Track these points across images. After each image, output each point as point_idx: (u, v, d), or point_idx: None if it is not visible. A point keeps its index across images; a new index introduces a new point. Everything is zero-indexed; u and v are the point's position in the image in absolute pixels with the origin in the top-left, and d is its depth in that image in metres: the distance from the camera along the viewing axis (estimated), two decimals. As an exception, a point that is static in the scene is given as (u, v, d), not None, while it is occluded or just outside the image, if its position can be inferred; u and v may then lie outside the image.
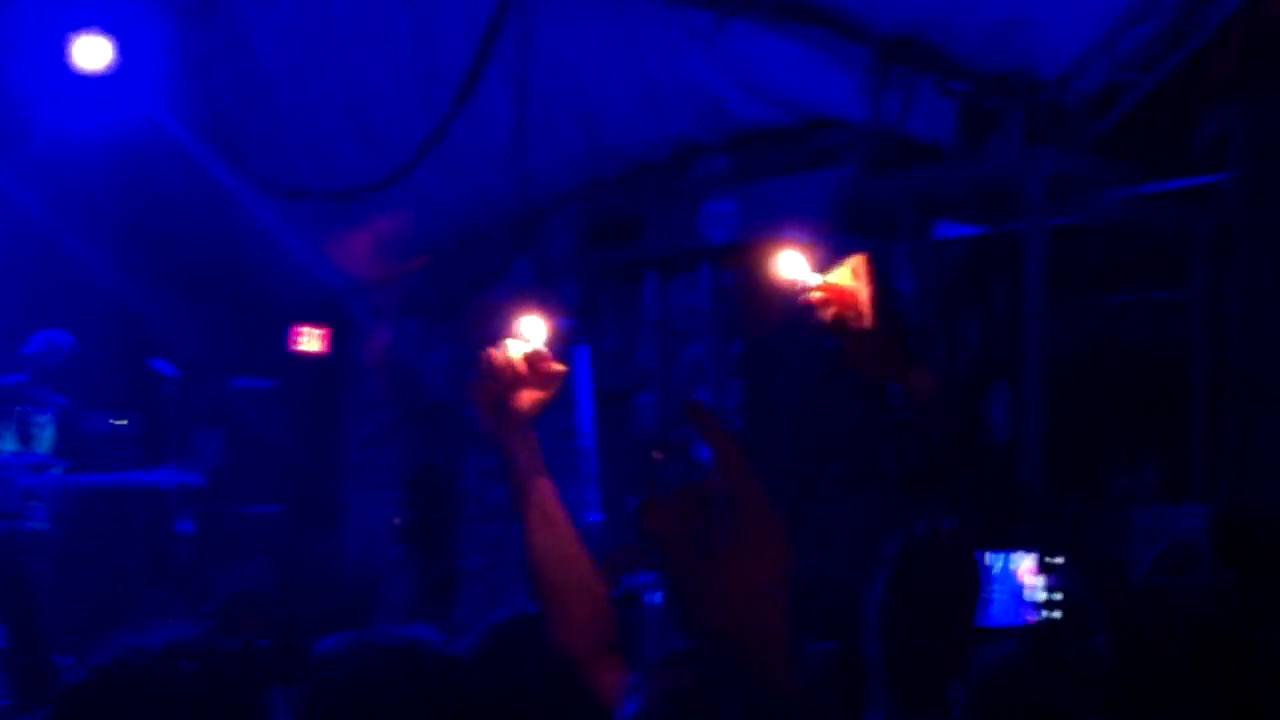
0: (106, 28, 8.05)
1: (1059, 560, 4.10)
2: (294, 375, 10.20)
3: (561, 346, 2.87)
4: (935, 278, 7.65)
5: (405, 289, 10.16)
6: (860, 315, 2.63)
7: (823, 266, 2.65)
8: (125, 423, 8.89)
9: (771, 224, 7.45)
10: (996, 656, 2.89)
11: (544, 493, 2.75)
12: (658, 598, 5.79)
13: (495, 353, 2.74)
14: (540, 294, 8.98)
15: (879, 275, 2.63)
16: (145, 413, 8.96)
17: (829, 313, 2.64)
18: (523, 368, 2.73)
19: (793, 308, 2.69)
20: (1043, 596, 4.56)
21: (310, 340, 10.34)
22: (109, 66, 8.11)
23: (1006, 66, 7.00)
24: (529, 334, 2.76)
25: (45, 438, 8.04)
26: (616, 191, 8.89)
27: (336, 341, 10.44)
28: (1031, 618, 4.57)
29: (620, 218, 8.89)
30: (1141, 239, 7.88)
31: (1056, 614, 4.44)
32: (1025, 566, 4.65)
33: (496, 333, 2.75)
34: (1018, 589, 4.65)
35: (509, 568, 9.11)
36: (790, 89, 7.71)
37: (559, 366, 2.76)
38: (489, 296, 9.75)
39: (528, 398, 2.75)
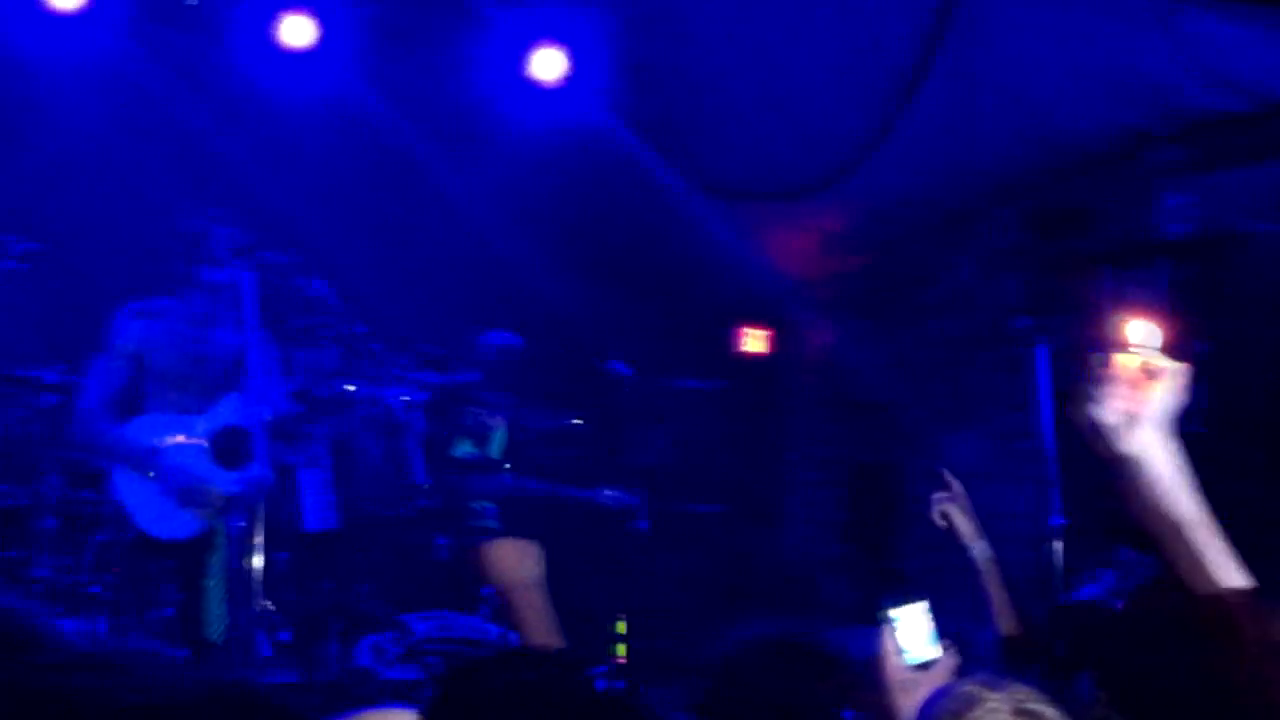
0: (560, 40, 8.34)
1: None
2: (736, 375, 10.30)
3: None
4: None
5: (845, 287, 10.13)
6: None
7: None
8: (578, 422, 9.12)
9: (1234, 216, 7.08)
10: None
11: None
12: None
13: (1115, 361, 2.62)
14: (984, 289, 8.81)
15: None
16: (594, 412, 9.17)
17: None
18: (1140, 374, 2.61)
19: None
20: None
21: (754, 341, 10.42)
22: (563, 77, 8.39)
23: None
24: (1140, 338, 2.65)
25: (497, 440, 8.27)
26: (1064, 183, 8.62)
27: (778, 340, 10.49)
28: None
29: (1068, 210, 8.61)
30: None
31: None
32: None
33: (1109, 340, 2.64)
34: None
35: (951, 570, 8.95)
36: (1251, 74, 7.31)
37: (1168, 365, 2.62)
38: (929, 294, 9.64)
39: (1148, 401, 2.61)
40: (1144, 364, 2.58)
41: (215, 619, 6.18)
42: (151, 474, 6.19)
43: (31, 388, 7.43)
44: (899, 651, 3.16)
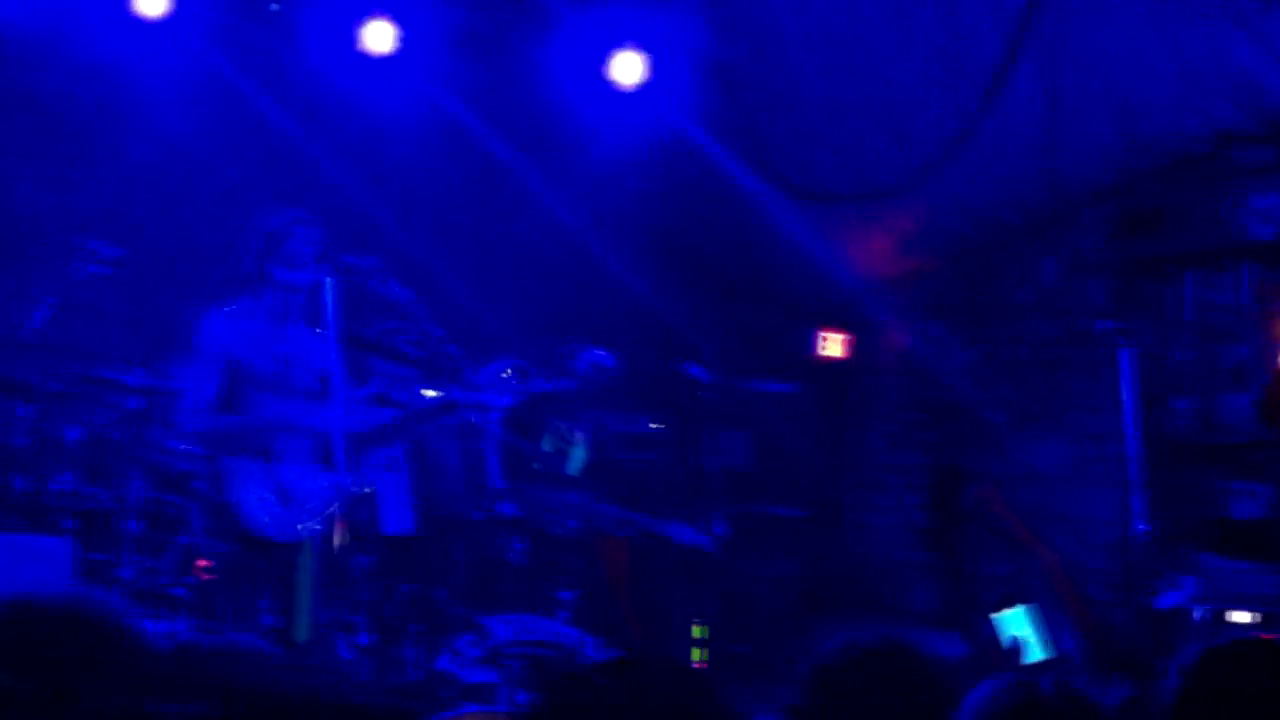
0: (640, 43, 8.34)
1: None
2: (816, 378, 10.26)
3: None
4: None
5: (927, 289, 10.06)
6: None
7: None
8: (659, 426, 9.11)
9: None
10: None
11: None
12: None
13: None
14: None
15: None
16: (673, 416, 9.16)
17: None
18: None
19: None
20: None
21: (832, 345, 10.37)
22: (643, 80, 8.40)
23: None
24: None
25: (576, 457, 8.25)
26: (1150, 185, 8.51)
27: (859, 342, 10.44)
28: None
29: (1155, 211, 8.50)
30: None
31: None
32: None
33: None
34: None
35: (1033, 575, 8.87)
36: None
37: None
38: (1012, 296, 9.55)
39: None
40: None
41: (303, 621, 6.22)
42: (261, 472, 6.23)
43: (117, 390, 7.53)
44: (1008, 652, 3.14)
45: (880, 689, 2.66)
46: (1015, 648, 3.17)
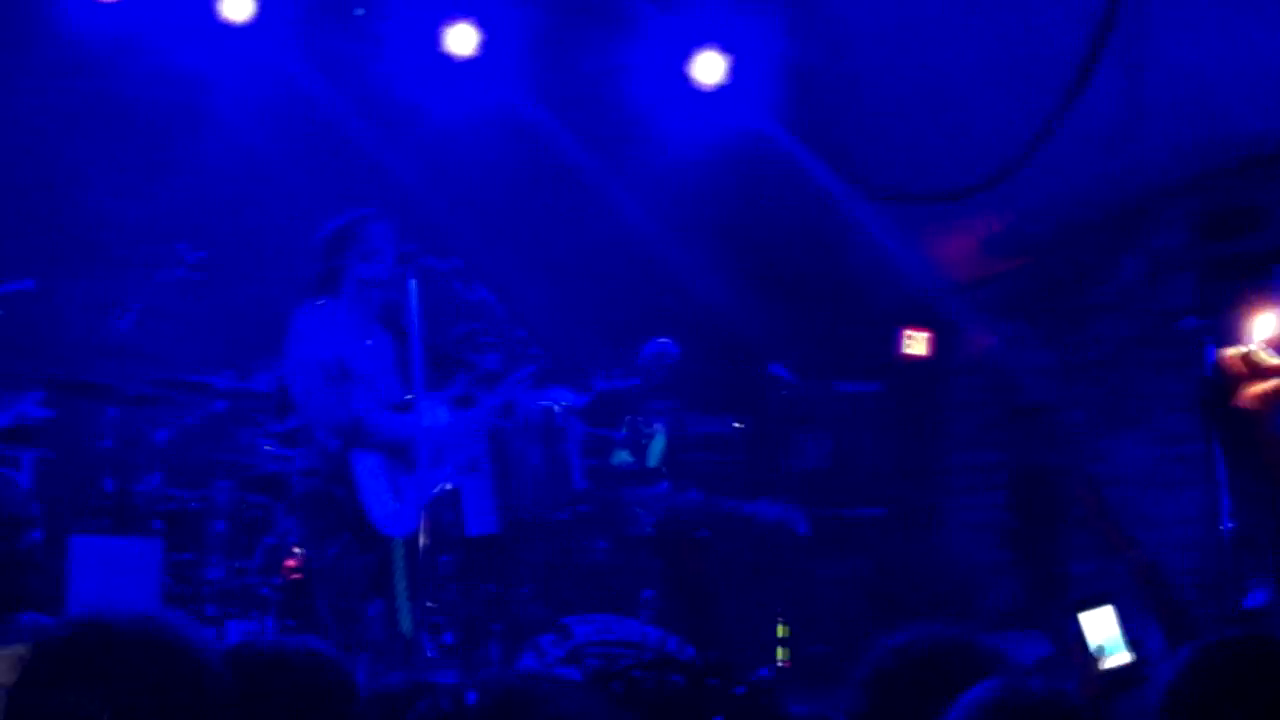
0: (721, 43, 8.35)
1: None
2: (896, 378, 10.21)
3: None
4: None
5: (1005, 288, 10.00)
6: None
7: None
8: (738, 425, 9.11)
9: None
10: None
11: None
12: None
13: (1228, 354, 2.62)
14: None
15: None
16: (754, 417, 9.15)
17: None
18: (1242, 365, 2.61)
19: None
20: None
21: (915, 343, 10.32)
22: (723, 81, 8.40)
23: None
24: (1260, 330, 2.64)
25: (655, 449, 8.25)
26: (1234, 182, 8.42)
27: (938, 343, 10.38)
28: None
29: (1237, 209, 8.42)
30: None
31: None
32: None
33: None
34: None
35: (1117, 575, 8.80)
36: None
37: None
38: (1093, 295, 9.48)
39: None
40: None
41: (406, 615, 6.25)
42: (390, 467, 6.27)
43: (203, 393, 7.62)
44: (1087, 654, 3.13)
45: (937, 690, 2.65)
46: (1098, 649, 3.14)
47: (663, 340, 8.30)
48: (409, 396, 6.25)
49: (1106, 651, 3.22)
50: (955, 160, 8.80)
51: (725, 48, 8.40)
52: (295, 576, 7.17)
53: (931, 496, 10.40)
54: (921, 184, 9.06)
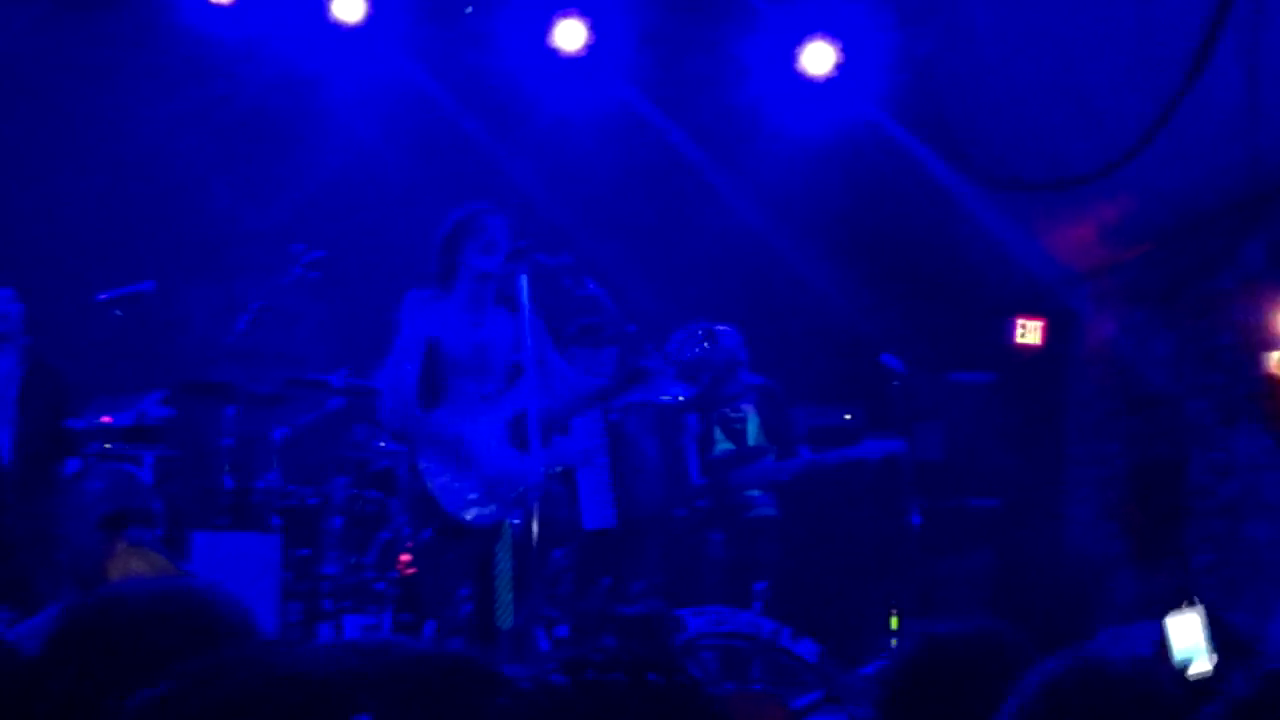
0: (831, 33, 8.30)
1: None
2: (1012, 368, 10.10)
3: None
4: None
5: (1125, 277, 9.86)
6: None
7: None
8: (849, 418, 9.06)
9: None
10: None
11: None
12: None
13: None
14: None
15: None
16: (868, 408, 9.10)
17: None
18: None
19: None
20: None
21: (1029, 333, 10.20)
22: (834, 71, 8.36)
23: None
24: None
25: (751, 427, 8.21)
26: (1360, 165, 8.23)
27: (1054, 332, 10.26)
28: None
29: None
30: None
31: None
32: None
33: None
34: None
35: (1239, 567, 8.66)
36: None
37: None
38: (1215, 283, 9.31)
39: None
40: None
41: (505, 609, 6.29)
42: (460, 458, 6.33)
43: (319, 391, 7.72)
44: (1172, 659, 3.05)
45: (961, 683, 2.60)
46: (1183, 657, 3.06)
47: (717, 327, 8.12)
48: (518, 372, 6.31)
49: (1190, 658, 3.14)
50: (1071, 147, 8.69)
51: (836, 37, 8.36)
52: (410, 571, 7.25)
53: (1050, 487, 10.28)
54: (1036, 172, 8.96)
